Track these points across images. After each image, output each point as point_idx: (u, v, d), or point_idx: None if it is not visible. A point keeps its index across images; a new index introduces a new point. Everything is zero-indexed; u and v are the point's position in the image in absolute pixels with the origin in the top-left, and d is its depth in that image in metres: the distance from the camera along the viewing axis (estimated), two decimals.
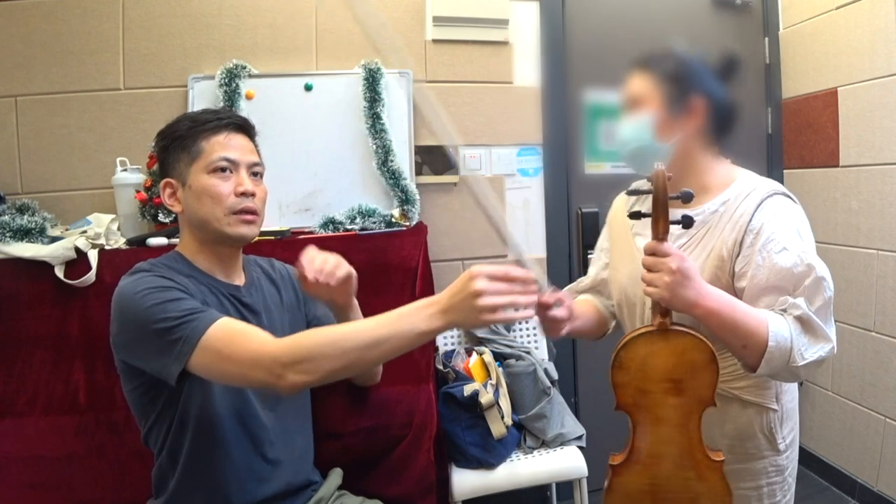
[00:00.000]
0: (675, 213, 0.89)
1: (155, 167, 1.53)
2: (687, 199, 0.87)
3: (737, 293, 0.94)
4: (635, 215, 0.93)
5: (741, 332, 0.87)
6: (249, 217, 1.05)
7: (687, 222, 0.88)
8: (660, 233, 0.88)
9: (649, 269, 0.89)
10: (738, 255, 0.94)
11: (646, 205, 0.99)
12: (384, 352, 0.84)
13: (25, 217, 1.45)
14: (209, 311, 0.93)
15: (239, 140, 1.07)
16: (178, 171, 1.04)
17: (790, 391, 1.06)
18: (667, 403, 0.90)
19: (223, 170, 1.03)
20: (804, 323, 0.88)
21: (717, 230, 0.98)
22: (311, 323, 1.30)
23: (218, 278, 1.08)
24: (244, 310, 1.09)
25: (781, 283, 0.90)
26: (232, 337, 0.89)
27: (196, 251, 1.08)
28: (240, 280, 1.13)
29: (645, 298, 1.00)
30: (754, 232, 0.93)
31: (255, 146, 1.12)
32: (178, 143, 1.04)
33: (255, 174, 1.08)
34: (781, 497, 1.06)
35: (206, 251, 1.08)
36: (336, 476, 1.23)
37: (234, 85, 1.68)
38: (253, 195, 1.05)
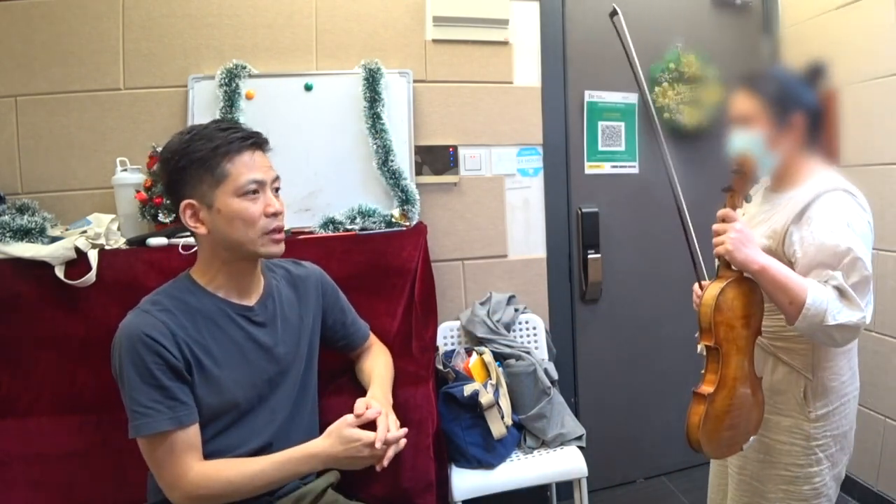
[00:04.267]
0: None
1: (156, 168, 1.54)
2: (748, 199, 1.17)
3: (790, 265, 1.11)
4: (726, 189, 1.15)
5: (788, 289, 1.04)
6: (279, 236, 1.09)
7: (748, 199, 1.17)
8: (735, 204, 1.13)
9: (718, 233, 1.12)
10: (790, 234, 1.13)
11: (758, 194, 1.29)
12: (265, 490, 1.04)
13: (25, 217, 1.45)
14: (153, 419, 0.97)
15: (260, 158, 1.08)
16: (200, 192, 1.03)
17: (836, 373, 1.17)
18: (742, 335, 1.13)
19: (253, 192, 1.05)
20: (841, 292, 1.04)
21: (782, 212, 1.17)
22: (334, 328, 1.33)
23: (230, 300, 1.11)
24: (254, 328, 1.13)
25: (826, 260, 1.06)
26: (157, 454, 0.99)
27: (216, 271, 1.10)
28: (255, 295, 1.15)
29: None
30: (807, 216, 1.11)
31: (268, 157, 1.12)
32: (197, 164, 1.02)
33: (276, 189, 1.11)
34: (807, 465, 1.17)
35: (226, 270, 1.10)
36: (331, 475, 1.22)
37: (234, 85, 1.68)
38: (281, 213, 1.09)
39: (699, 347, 1.31)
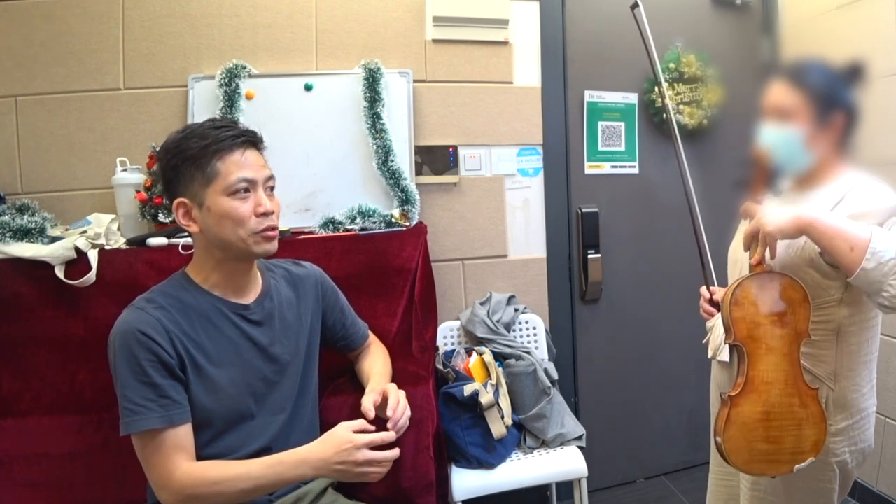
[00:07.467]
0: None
1: (155, 168, 1.54)
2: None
3: (818, 264, 1.05)
4: (741, 184, 1.11)
5: (847, 233, 0.95)
6: (271, 233, 1.07)
7: (777, 192, 1.13)
8: (759, 198, 1.09)
9: (754, 229, 1.03)
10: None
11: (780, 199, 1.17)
12: (256, 494, 1.02)
13: (25, 217, 1.45)
14: (143, 417, 0.97)
15: (252, 156, 1.06)
16: (192, 191, 1.03)
17: (857, 384, 1.10)
18: (774, 334, 1.03)
19: (243, 190, 1.03)
20: None
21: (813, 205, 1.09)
22: (334, 329, 1.32)
23: (227, 298, 1.11)
24: (249, 326, 1.12)
25: (880, 220, 0.99)
26: (146, 452, 0.99)
27: (211, 269, 1.09)
28: (253, 293, 1.15)
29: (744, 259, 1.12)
30: (844, 203, 1.04)
31: (264, 156, 1.12)
32: (189, 162, 1.01)
33: (270, 188, 1.09)
34: (826, 480, 1.11)
35: (220, 269, 1.09)
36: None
37: (234, 85, 1.68)
38: (272, 213, 1.07)
39: (710, 353, 1.28)
